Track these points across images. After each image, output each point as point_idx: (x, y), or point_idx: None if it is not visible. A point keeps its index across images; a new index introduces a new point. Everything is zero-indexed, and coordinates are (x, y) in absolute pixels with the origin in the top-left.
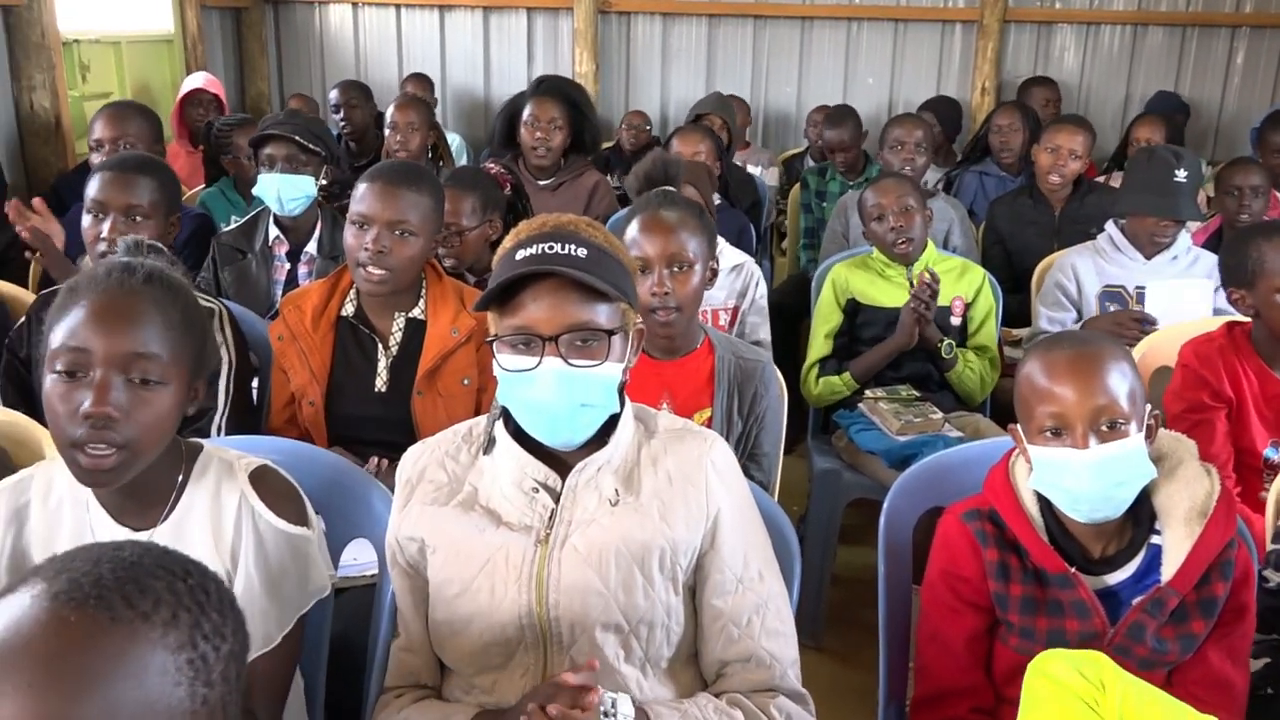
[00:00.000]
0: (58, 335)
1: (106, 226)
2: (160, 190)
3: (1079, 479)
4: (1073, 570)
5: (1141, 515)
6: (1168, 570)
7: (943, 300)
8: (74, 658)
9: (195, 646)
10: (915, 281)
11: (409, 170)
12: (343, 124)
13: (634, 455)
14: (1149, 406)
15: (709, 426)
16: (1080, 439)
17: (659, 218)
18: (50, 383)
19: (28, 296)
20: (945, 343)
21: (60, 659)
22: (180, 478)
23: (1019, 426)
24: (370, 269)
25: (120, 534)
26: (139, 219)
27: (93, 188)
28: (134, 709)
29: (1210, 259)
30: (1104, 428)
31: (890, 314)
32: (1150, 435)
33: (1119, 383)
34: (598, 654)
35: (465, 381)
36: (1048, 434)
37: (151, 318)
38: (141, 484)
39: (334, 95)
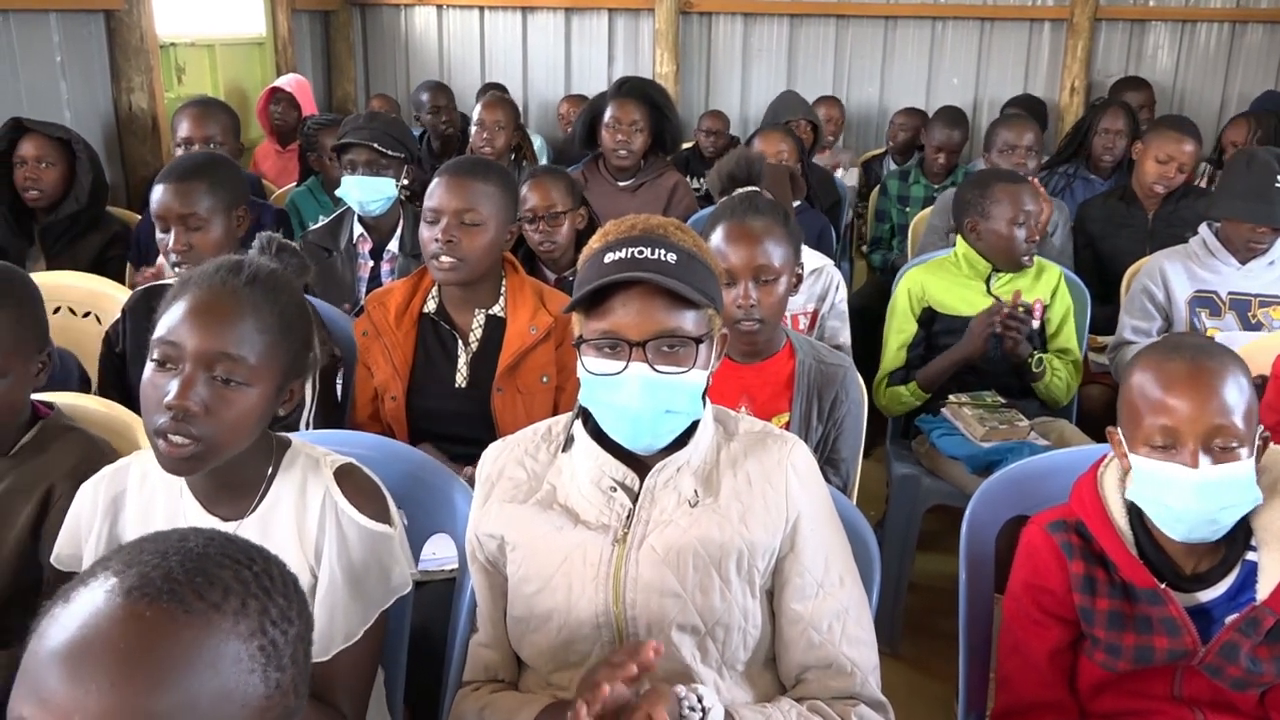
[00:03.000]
0: (160, 326)
1: (171, 239)
2: (213, 192)
3: (1184, 498)
4: (1163, 586)
5: (1236, 531)
6: (1264, 588)
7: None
8: (152, 652)
9: (265, 633)
10: (996, 295)
11: (476, 163)
12: (445, 125)
13: (713, 457)
14: (1260, 427)
15: (787, 430)
16: (1191, 457)
17: (745, 227)
18: (147, 370)
19: (124, 293)
20: (1035, 357)
21: (138, 654)
22: (269, 471)
23: (1120, 432)
24: (442, 258)
25: (210, 524)
26: (198, 227)
27: (152, 201)
28: (212, 699)
29: None
30: (1217, 448)
31: (968, 322)
32: (1259, 456)
33: (1237, 400)
34: (674, 655)
35: (544, 379)
36: (1156, 447)
37: (243, 319)
38: (232, 476)
39: (425, 97)
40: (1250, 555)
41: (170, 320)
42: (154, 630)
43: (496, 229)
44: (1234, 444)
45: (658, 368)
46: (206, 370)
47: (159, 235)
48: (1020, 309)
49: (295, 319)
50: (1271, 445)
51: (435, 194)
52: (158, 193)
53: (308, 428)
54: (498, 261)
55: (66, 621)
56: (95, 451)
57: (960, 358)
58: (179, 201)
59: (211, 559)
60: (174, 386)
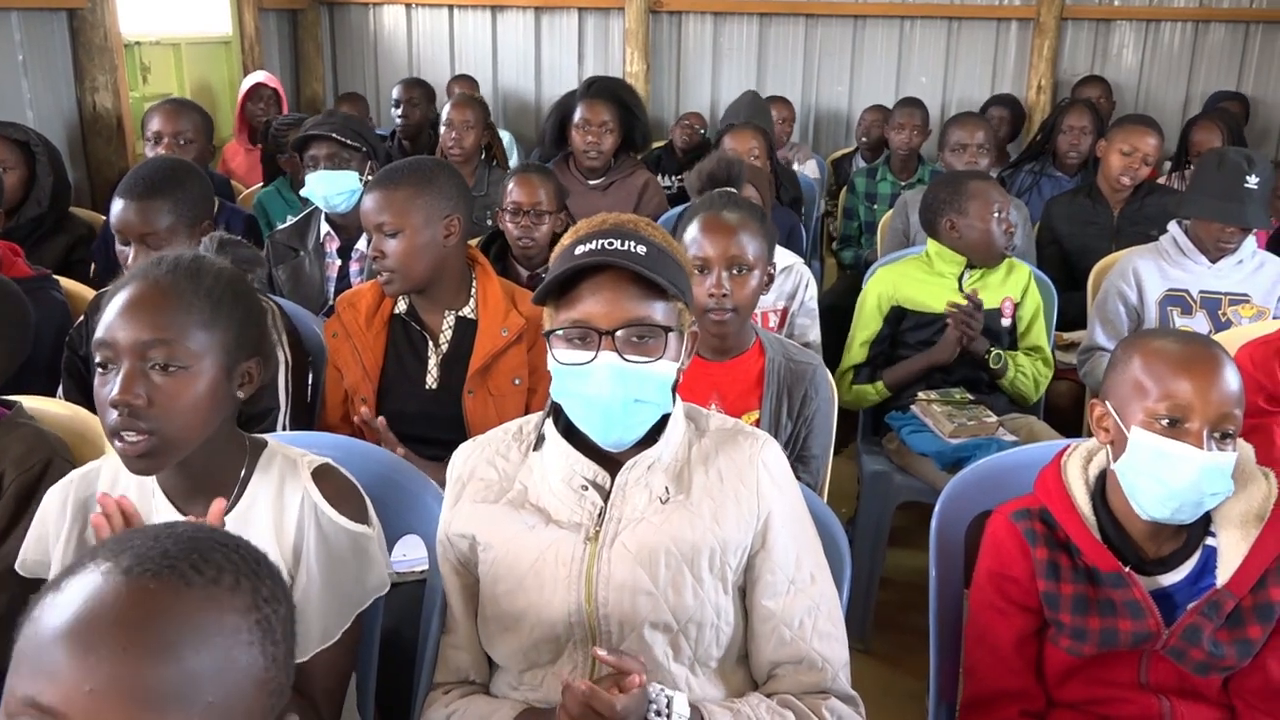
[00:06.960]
0: (96, 333)
1: (131, 256)
2: (175, 210)
3: (1184, 477)
4: (1127, 569)
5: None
6: (1223, 573)
7: (992, 302)
8: (158, 622)
9: (259, 609)
10: (968, 291)
11: (389, 172)
12: (400, 121)
13: (684, 454)
14: None
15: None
16: (1198, 438)
17: (721, 219)
18: (96, 376)
19: (90, 294)
20: (993, 353)
21: (146, 624)
22: (244, 471)
23: (1110, 405)
24: (381, 274)
25: None
26: (159, 246)
27: (112, 215)
28: (218, 668)
29: (1277, 263)
30: (1221, 434)
31: (939, 319)
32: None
33: (1240, 392)
34: (646, 653)
35: (516, 381)
36: (1163, 422)
37: (167, 304)
38: (205, 476)
39: (396, 91)
40: (1210, 541)
41: (104, 321)
42: (159, 601)
43: (421, 231)
44: (1232, 432)
45: (627, 357)
46: (141, 361)
47: (119, 247)
48: (970, 306)
49: (225, 296)
50: None
51: (362, 209)
52: (118, 207)
53: (284, 430)
54: (448, 262)
55: (64, 604)
56: (43, 443)
57: (929, 364)
58: (139, 219)
59: (202, 541)
60: (116, 384)
